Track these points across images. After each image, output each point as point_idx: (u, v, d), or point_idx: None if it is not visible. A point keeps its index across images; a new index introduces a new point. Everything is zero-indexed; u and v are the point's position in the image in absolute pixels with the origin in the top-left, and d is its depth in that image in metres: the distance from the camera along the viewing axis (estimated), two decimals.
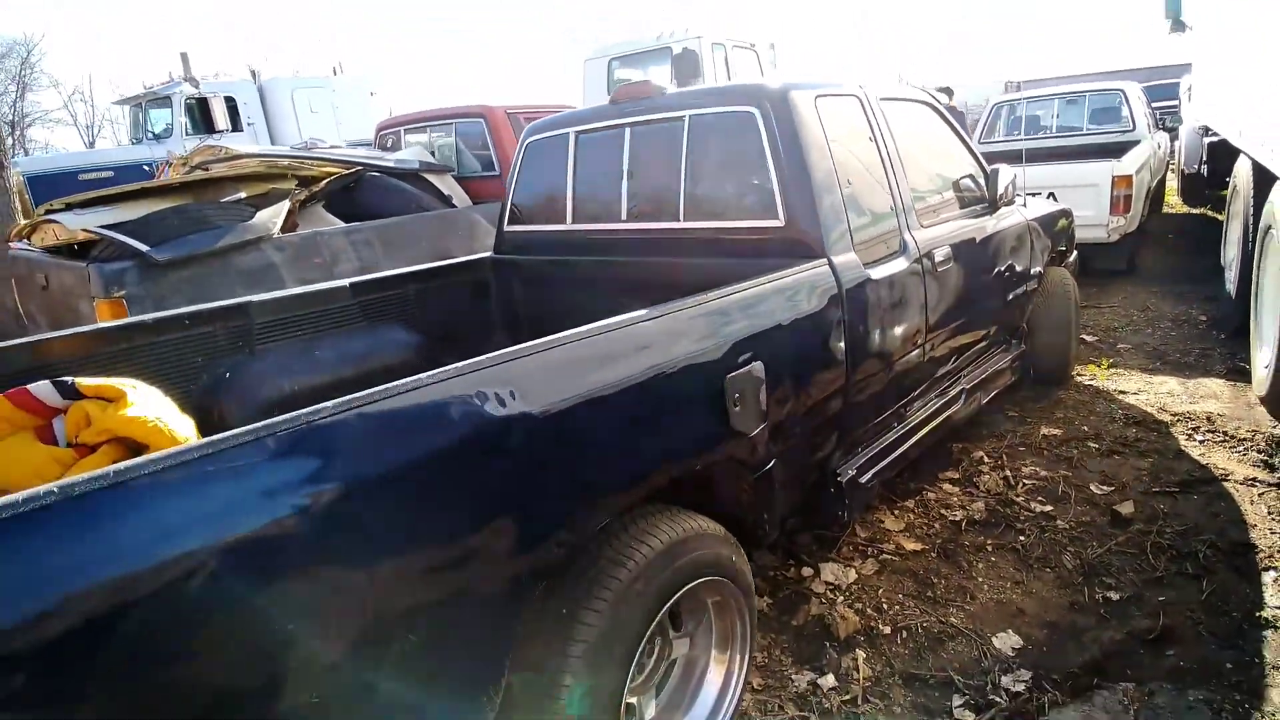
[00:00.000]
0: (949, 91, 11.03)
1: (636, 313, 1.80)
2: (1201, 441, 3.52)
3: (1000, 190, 3.46)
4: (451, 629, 1.41)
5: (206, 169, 4.15)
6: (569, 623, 1.57)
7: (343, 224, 4.13)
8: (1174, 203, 10.52)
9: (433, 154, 5.18)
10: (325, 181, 4.38)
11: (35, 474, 1.47)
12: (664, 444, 1.79)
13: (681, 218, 2.74)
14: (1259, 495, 3.00)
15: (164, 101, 11.95)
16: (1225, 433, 3.55)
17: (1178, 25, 8.97)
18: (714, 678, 1.92)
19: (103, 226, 3.57)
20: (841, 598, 2.56)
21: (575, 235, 3.15)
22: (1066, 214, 4.53)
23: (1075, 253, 4.67)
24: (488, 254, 3.56)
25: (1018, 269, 3.77)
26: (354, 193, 4.52)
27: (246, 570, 1.12)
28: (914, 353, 2.86)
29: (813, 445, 2.41)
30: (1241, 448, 3.40)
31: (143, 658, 1.05)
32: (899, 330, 2.74)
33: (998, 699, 2.10)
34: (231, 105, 12.04)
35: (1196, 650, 2.23)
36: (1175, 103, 12.52)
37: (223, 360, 2.75)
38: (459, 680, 1.44)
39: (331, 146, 5.30)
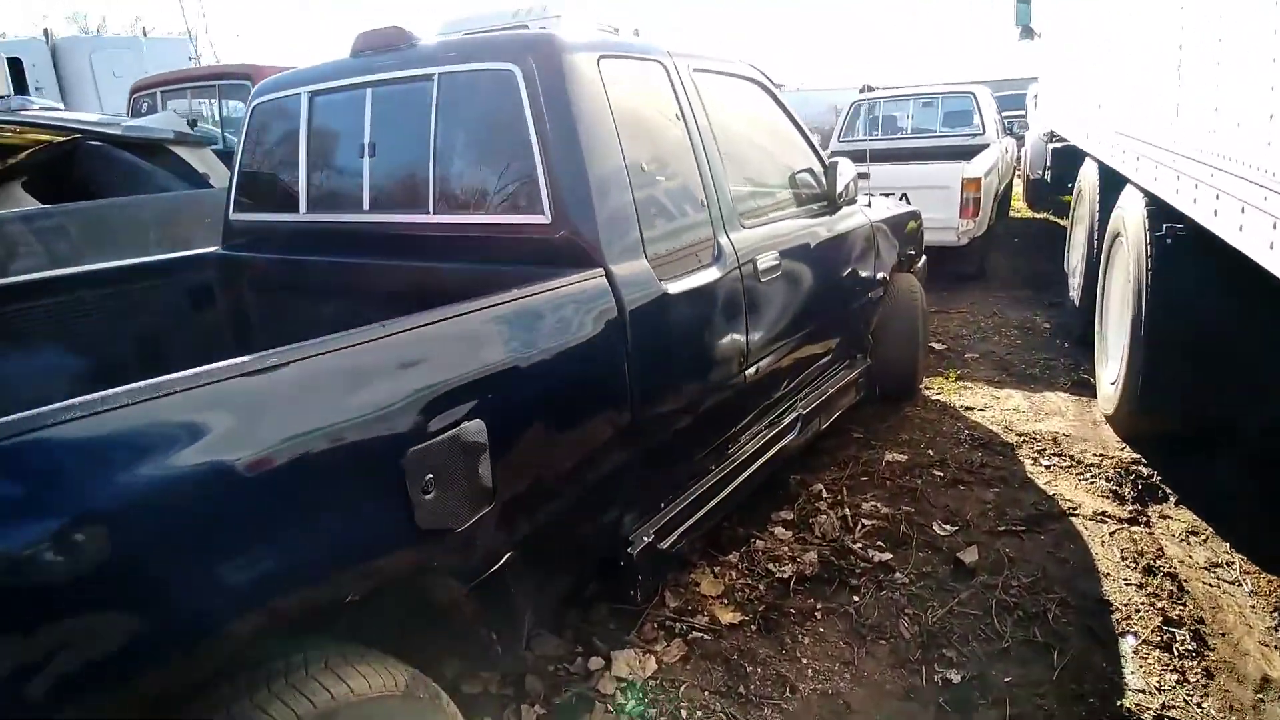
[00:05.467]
0: (870, 88, 10.69)
1: (249, 358, 1.14)
2: (1048, 467, 3.23)
3: (839, 187, 3.02)
4: None
5: None
6: None
7: (40, 205, 3.21)
8: (1020, 207, 10.84)
9: (193, 123, 4.26)
10: (28, 151, 3.42)
11: None
12: (292, 561, 1.14)
13: (431, 209, 2.09)
14: (1109, 534, 2.70)
15: None
16: (1072, 457, 3.28)
17: (1027, 33, 9.15)
18: None
19: None
20: (633, 702, 2.00)
21: (310, 227, 2.44)
22: (915, 216, 4.21)
23: (924, 258, 4.36)
24: (215, 249, 2.78)
25: (861, 276, 3.37)
26: (71, 167, 3.57)
27: None
28: (734, 381, 2.35)
29: (586, 515, 1.83)
30: (1089, 475, 3.13)
31: None
32: (712, 356, 2.21)
33: None
34: (16, 66, 10.33)
35: None
36: (1022, 111, 13.07)
37: None
38: None
39: (43, 108, 4.27)
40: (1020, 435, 3.54)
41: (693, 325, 2.09)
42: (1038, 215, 10.13)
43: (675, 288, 1.99)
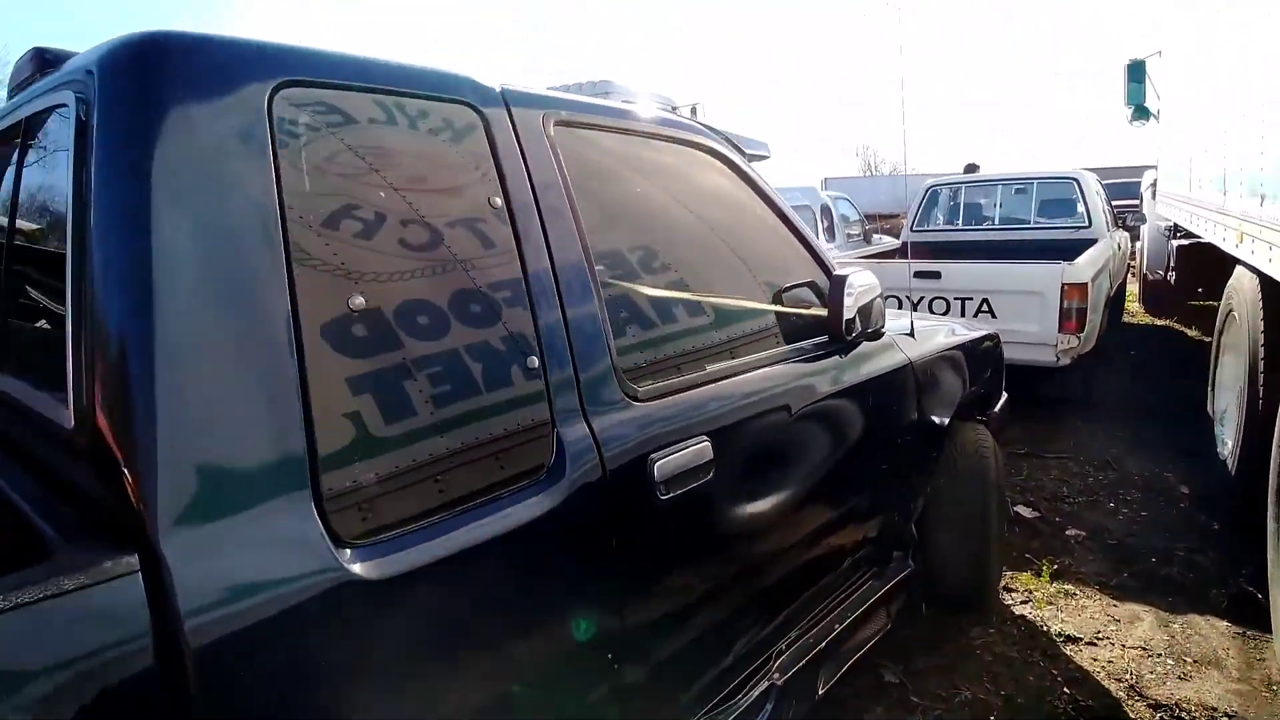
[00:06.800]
0: (974, 168, 9.50)
1: None
2: None
3: (848, 313, 1.91)
4: None
5: None
6: None
7: None
8: (1134, 309, 9.27)
9: None
10: None
11: None
12: None
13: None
14: None
15: None
16: None
17: (1140, 114, 7.85)
18: None
19: None
20: None
21: None
22: (990, 339, 3.01)
23: (1005, 395, 3.13)
24: None
25: (895, 445, 2.22)
26: None
27: None
28: (582, 695, 1.24)
29: None
30: None
31: None
32: (508, 669, 1.11)
33: None
34: None
35: None
36: (1135, 201, 11.53)
37: None
38: None
39: None
40: (1157, 709, 2.21)
41: (445, 638, 1.00)
42: (1159, 322, 8.56)
43: (392, 563, 0.92)
